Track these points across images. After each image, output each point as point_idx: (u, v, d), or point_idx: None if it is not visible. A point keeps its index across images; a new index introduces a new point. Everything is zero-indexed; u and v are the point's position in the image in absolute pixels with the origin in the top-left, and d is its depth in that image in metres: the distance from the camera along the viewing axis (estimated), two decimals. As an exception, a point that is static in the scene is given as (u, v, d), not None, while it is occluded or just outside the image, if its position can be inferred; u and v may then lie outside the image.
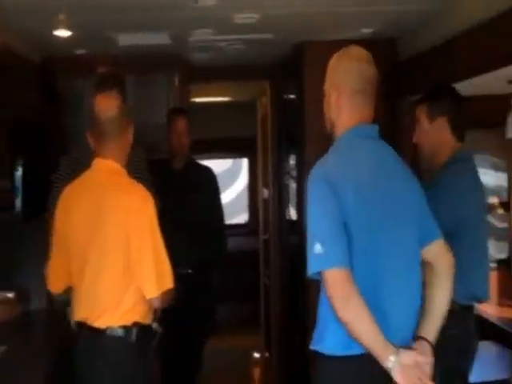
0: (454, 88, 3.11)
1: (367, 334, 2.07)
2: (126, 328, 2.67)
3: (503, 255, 4.51)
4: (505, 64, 2.90)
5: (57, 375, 2.98)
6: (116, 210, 2.65)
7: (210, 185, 4.36)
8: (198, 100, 6.24)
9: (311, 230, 2.13)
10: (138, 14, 3.42)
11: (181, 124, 4.14)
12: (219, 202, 4.42)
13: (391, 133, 4.08)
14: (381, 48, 4.09)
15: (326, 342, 2.17)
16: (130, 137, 2.80)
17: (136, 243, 2.62)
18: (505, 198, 4.52)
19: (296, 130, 4.58)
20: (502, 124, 3.83)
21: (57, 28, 3.51)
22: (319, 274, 2.12)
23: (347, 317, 2.07)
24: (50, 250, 2.90)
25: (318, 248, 2.09)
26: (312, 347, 2.21)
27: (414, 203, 2.27)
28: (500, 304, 4.22)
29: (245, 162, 8.53)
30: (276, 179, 5.59)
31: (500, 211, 4.47)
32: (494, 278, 4.18)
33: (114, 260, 2.65)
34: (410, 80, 4.00)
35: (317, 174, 2.18)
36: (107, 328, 2.66)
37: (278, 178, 5.53)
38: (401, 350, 2.07)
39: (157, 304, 2.70)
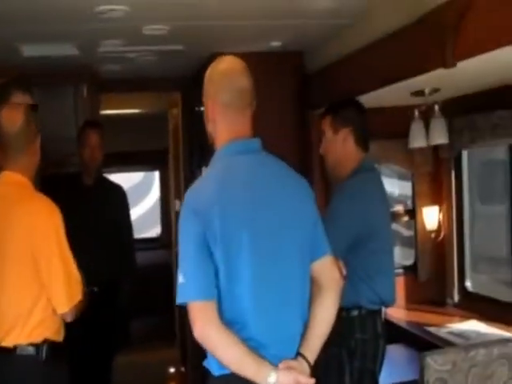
0: (357, 100, 3.21)
1: (235, 362, 2.05)
2: (36, 345, 2.59)
3: (409, 262, 4.66)
4: (407, 76, 3.01)
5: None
6: (21, 224, 2.58)
7: (119, 202, 4.33)
8: (108, 112, 6.17)
9: (179, 260, 2.10)
10: (44, 24, 3.35)
11: (94, 137, 4.08)
12: (128, 219, 4.40)
13: (301, 145, 4.17)
14: (289, 60, 4.20)
15: (208, 361, 2.16)
16: (37, 148, 2.74)
17: (44, 257, 2.57)
18: (409, 206, 4.67)
19: (207, 142, 4.59)
20: (406, 134, 3.97)
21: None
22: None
23: (210, 349, 2.07)
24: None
25: (181, 279, 2.06)
26: (204, 364, 2.19)
27: (300, 216, 2.20)
28: (407, 308, 4.36)
29: (156, 174, 8.49)
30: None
31: (405, 218, 4.62)
32: (400, 283, 4.33)
33: (18, 275, 2.57)
34: (318, 92, 4.09)
35: (186, 201, 2.12)
36: (16, 347, 2.57)
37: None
38: (280, 371, 2.05)
39: (68, 318, 2.65)
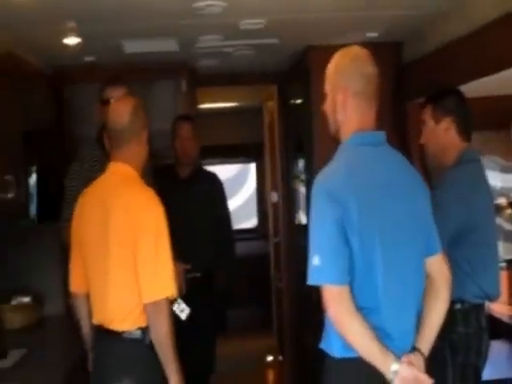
0: (459, 89, 3.14)
1: (364, 347, 2.11)
2: (143, 329, 2.68)
3: (512, 256, 4.52)
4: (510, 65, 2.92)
5: (75, 377, 3.02)
6: (124, 213, 2.65)
7: (216, 191, 4.38)
8: (205, 106, 6.28)
9: (312, 242, 2.13)
10: (145, 21, 3.45)
11: (185, 130, 4.16)
12: (226, 208, 4.44)
13: (399, 136, 4.11)
14: (386, 51, 4.14)
15: (329, 343, 2.22)
16: (143, 141, 2.81)
17: (141, 247, 2.61)
18: (513, 199, 4.53)
19: (304, 134, 4.61)
20: (510, 125, 3.85)
21: (66, 36, 3.54)
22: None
23: (341, 331, 2.12)
24: (67, 254, 2.95)
25: (316, 260, 2.10)
26: (320, 345, 2.26)
27: (418, 214, 2.26)
28: (511, 303, 4.23)
29: (252, 166, 8.56)
30: (284, 183, 5.61)
31: (509, 211, 4.47)
32: (504, 277, 4.19)
33: (122, 264, 2.66)
34: (417, 83, 4.02)
35: (319, 186, 2.16)
36: (123, 331, 2.68)
37: (287, 182, 5.55)
38: (402, 364, 2.11)
39: (148, 311, 2.62)
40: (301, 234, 5.01)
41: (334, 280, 2.10)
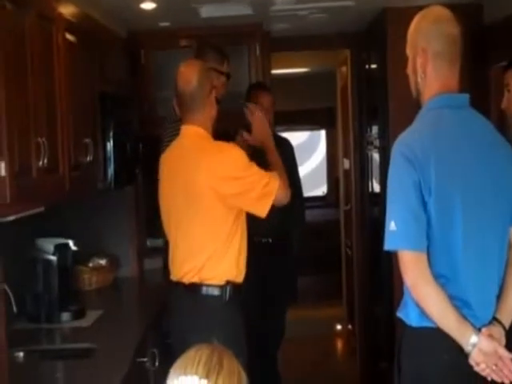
0: None
1: (440, 317, 2.07)
2: (221, 286, 2.75)
3: None
4: None
5: (150, 337, 3.09)
6: (203, 170, 2.74)
7: (288, 157, 4.36)
8: (277, 71, 6.24)
9: (389, 207, 2.11)
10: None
11: (266, 100, 4.13)
12: (297, 174, 4.43)
13: (479, 101, 3.97)
14: (466, 12, 4.00)
15: (406, 312, 2.19)
16: (212, 103, 2.89)
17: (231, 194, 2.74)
18: None
19: (379, 100, 4.52)
20: None
21: (142, 1, 3.58)
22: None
23: (418, 298, 2.09)
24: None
25: (392, 226, 2.07)
26: (397, 314, 2.24)
27: (502, 180, 2.18)
28: None
29: (323, 133, 8.50)
30: (357, 150, 5.54)
31: None
32: None
33: (203, 220, 2.76)
34: (500, 45, 3.88)
35: (398, 148, 2.12)
36: (202, 286, 2.75)
37: (359, 149, 5.49)
38: (482, 336, 2.05)
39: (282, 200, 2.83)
40: (373, 203, 4.97)
41: (411, 246, 2.07)
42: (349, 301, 6.30)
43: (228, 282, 2.77)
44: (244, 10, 3.96)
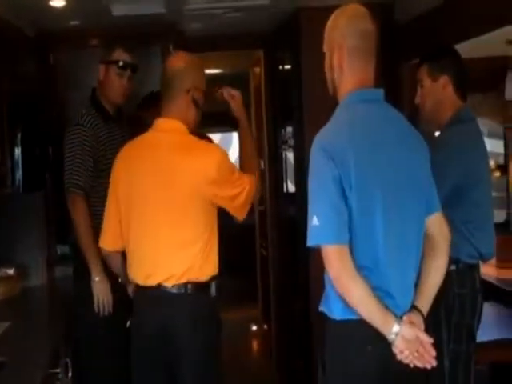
0: (455, 48, 3.13)
1: (364, 308, 2.10)
2: (207, 283, 2.71)
3: (501, 219, 4.54)
4: (505, 23, 2.90)
5: (64, 345, 2.98)
6: (185, 169, 2.66)
7: None
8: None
9: (310, 203, 2.13)
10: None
11: None
12: None
13: (392, 97, 4.05)
14: (378, 11, 4.07)
15: (329, 306, 2.20)
16: (188, 101, 2.80)
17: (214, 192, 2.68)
18: (501, 162, 4.54)
19: (293, 100, 4.55)
20: (499, 87, 3.83)
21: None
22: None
23: (342, 291, 2.11)
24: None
25: (315, 221, 2.09)
26: (319, 308, 2.25)
27: (418, 171, 2.24)
28: (499, 266, 4.25)
29: (235, 135, 8.50)
30: (271, 150, 5.56)
31: (497, 174, 4.48)
32: (492, 241, 4.21)
33: (189, 219, 2.68)
34: (410, 43, 3.97)
35: (317, 144, 2.15)
36: (189, 284, 2.68)
37: (273, 149, 5.51)
38: (404, 324, 2.11)
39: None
40: (289, 203, 5.00)
41: (334, 239, 2.09)
42: (264, 301, 6.32)
43: (212, 278, 2.74)
44: (157, 8, 3.90)
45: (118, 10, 3.88)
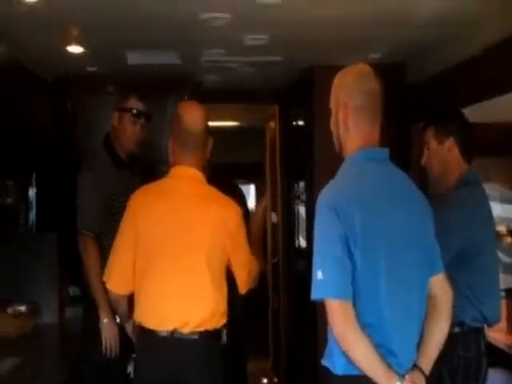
0: (461, 111, 3.15)
1: (368, 365, 2.08)
2: (220, 330, 2.75)
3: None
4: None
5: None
6: (207, 217, 2.71)
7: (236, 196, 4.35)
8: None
9: (315, 257, 2.11)
10: (148, 32, 3.45)
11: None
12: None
13: (401, 159, 4.07)
14: (390, 72, 4.13)
15: (332, 360, 2.18)
16: (208, 149, 2.88)
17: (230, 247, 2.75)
18: (513, 228, 4.50)
19: (305, 155, 4.59)
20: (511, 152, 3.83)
21: (69, 44, 3.55)
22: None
23: (345, 347, 2.09)
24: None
25: (319, 275, 2.08)
26: (322, 362, 2.22)
27: (422, 232, 2.24)
28: (509, 332, 4.18)
29: (252, 188, 8.55)
30: (284, 204, 5.58)
31: (508, 240, 4.44)
32: (503, 306, 4.14)
33: (207, 266, 2.70)
34: (422, 105, 4.00)
35: (323, 200, 2.15)
36: (204, 333, 2.69)
37: (287, 203, 5.53)
38: (406, 383, 2.09)
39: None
40: (300, 258, 4.99)
41: (338, 294, 2.07)
42: (275, 354, 6.25)
43: (223, 326, 2.76)
44: (172, 59, 3.96)
45: (132, 59, 3.95)
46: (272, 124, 6.04)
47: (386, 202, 2.17)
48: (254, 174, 7.76)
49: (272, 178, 6.26)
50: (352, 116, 2.24)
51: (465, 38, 3.39)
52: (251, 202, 8.63)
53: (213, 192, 2.81)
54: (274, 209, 6.17)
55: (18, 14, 2.93)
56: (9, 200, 3.04)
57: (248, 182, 8.49)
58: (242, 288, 2.86)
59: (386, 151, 2.28)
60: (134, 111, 3.39)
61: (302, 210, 4.91)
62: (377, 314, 2.11)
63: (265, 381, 6.66)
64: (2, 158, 2.95)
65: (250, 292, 5.86)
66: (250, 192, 8.67)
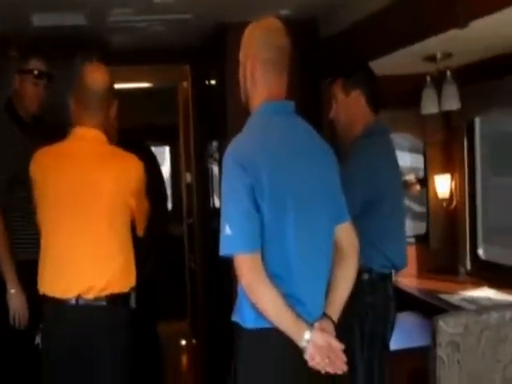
0: (367, 64, 3.22)
1: (276, 316, 2.13)
2: (127, 294, 2.76)
3: (421, 232, 4.65)
4: (419, 39, 3.00)
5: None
6: (109, 179, 2.70)
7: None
8: (119, 86, 6.14)
9: (223, 212, 2.15)
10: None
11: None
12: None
13: (312, 112, 4.12)
14: (300, 28, 4.14)
15: (242, 315, 2.22)
16: (113, 111, 2.87)
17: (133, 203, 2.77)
18: (421, 176, 4.65)
19: (218, 114, 4.58)
20: (417, 103, 3.93)
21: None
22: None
23: (255, 299, 2.13)
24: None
25: (227, 230, 2.11)
26: (232, 318, 2.26)
27: (328, 182, 2.30)
28: (419, 277, 4.37)
29: (167, 149, 8.49)
30: (198, 163, 5.58)
31: (417, 187, 4.60)
32: (412, 251, 4.33)
33: (112, 230, 2.72)
34: (331, 60, 4.05)
35: (229, 154, 2.17)
36: (112, 296, 2.70)
37: (200, 163, 5.52)
38: (315, 330, 2.14)
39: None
40: (215, 217, 5.00)
41: (246, 248, 2.11)
42: (193, 315, 6.29)
43: (132, 289, 2.76)
44: (78, 20, 3.87)
45: (38, 20, 3.83)
46: (185, 84, 5.99)
47: (291, 154, 2.21)
48: (168, 136, 7.70)
49: (186, 138, 6.24)
50: (260, 69, 2.27)
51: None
52: (166, 165, 8.59)
53: (114, 151, 2.81)
54: (188, 169, 6.16)
55: None
56: None
57: (163, 144, 8.42)
58: (140, 230, 2.91)
59: (291, 104, 2.31)
60: (36, 72, 3.34)
61: (215, 169, 4.92)
62: (284, 265, 2.16)
63: (183, 342, 6.71)
64: None
65: (166, 252, 5.80)
66: (166, 154, 8.61)
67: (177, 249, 6.83)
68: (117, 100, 2.88)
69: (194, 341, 6.33)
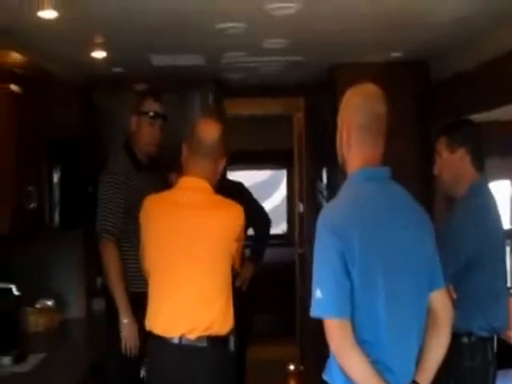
0: (472, 120, 3.17)
1: (363, 382, 2.12)
2: (227, 337, 2.85)
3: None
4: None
5: (94, 379, 3.11)
6: (215, 226, 2.83)
7: (243, 198, 4.40)
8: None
9: (314, 276, 2.16)
10: (172, 36, 3.50)
11: None
12: (260, 209, 4.52)
13: (424, 156, 4.05)
14: (412, 71, 4.11)
15: (332, 376, 2.23)
16: (221, 165, 2.96)
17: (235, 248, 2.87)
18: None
19: (328, 150, 4.61)
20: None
21: (93, 50, 3.63)
22: None
23: (343, 364, 2.13)
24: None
25: (318, 294, 2.12)
26: (323, 376, 2.27)
27: (423, 248, 2.27)
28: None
29: (284, 173, 8.60)
30: (310, 195, 5.61)
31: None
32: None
33: (217, 273, 2.82)
34: (445, 104, 3.97)
35: (322, 220, 2.18)
36: (211, 339, 2.78)
37: (312, 194, 5.56)
38: None
39: None
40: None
41: (336, 313, 2.12)
42: (302, 341, 6.31)
43: (230, 331, 2.84)
44: (196, 60, 4.01)
45: (158, 61, 4.00)
46: (299, 114, 6.06)
47: (384, 222, 2.20)
48: (286, 160, 7.80)
49: (300, 165, 6.30)
50: (354, 135, 2.26)
51: (494, 35, 3.35)
52: (283, 187, 8.70)
53: (219, 200, 2.91)
54: (300, 199, 6.21)
55: (40, 27, 3.01)
56: (32, 205, 3.14)
57: (281, 167, 8.57)
58: (237, 266, 3.00)
59: (386, 170, 2.30)
60: (151, 113, 3.46)
61: (324, 204, 4.95)
62: (374, 332, 2.15)
63: (291, 367, 6.74)
64: (24, 164, 3.07)
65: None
66: (284, 176, 8.70)
67: (289, 274, 6.90)
68: (226, 156, 2.97)
69: (301, 367, 6.35)
